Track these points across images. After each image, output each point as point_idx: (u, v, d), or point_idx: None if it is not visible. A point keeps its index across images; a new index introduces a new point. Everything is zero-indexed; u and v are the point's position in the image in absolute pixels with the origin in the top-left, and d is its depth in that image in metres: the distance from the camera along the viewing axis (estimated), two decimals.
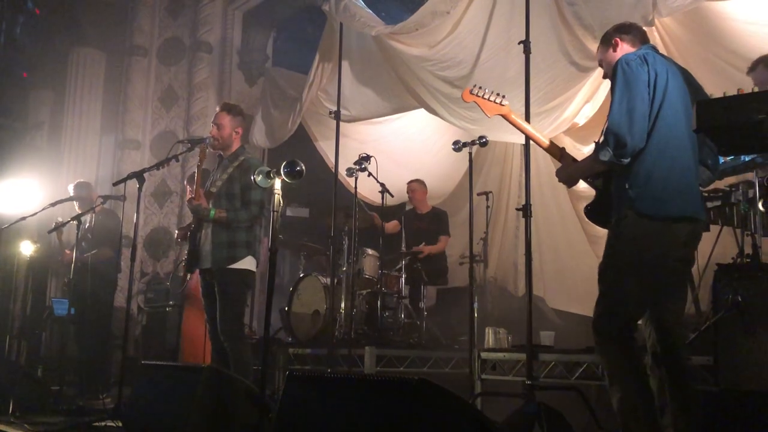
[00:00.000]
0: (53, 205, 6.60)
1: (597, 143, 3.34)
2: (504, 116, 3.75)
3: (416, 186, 7.66)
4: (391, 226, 7.34)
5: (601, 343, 3.29)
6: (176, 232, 6.12)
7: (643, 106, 3.19)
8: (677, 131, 3.23)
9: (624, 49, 3.50)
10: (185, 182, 7.68)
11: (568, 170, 3.56)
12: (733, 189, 4.37)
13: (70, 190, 7.09)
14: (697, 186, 3.36)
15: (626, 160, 3.21)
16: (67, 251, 6.71)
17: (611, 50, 3.54)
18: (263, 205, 4.78)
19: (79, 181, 7.39)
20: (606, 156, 3.21)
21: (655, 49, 3.54)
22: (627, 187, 3.23)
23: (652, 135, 3.21)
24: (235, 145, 4.94)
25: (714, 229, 4.62)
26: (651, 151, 3.21)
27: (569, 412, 3.90)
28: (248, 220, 4.75)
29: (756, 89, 3.86)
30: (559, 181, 3.64)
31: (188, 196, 4.84)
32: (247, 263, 4.75)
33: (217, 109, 5.03)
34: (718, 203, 4.46)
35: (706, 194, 4.25)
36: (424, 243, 7.27)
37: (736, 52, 5.15)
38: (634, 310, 3.29)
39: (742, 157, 4.17)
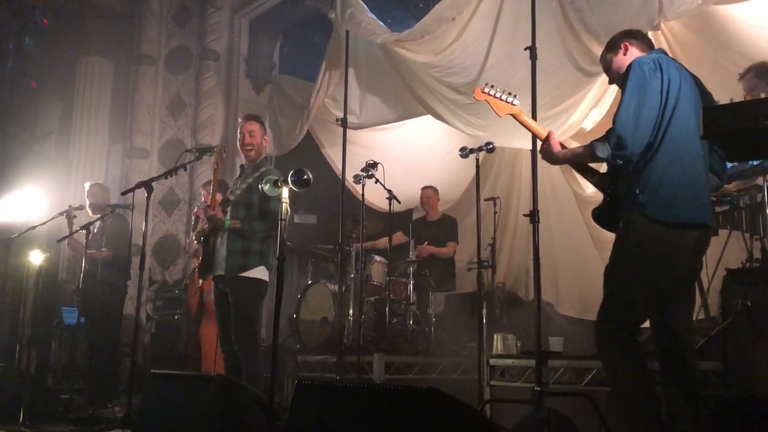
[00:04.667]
0: (62, 214, 6.63)
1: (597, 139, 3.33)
2: (515, 116, 3.73)
3: (431, 193, 7.69)
4: (396, 238, 7.33)
5: (604, 348, 3.27)
6: (191, 235, 6.08)
7: (650, 113, 3.19)
8: (689, 137, 3.22)
9: (633, 53, 3.49)
10: (201, 186, 7.67)
11: (556, 152, 3.54)
12: (741, 193, 4.35)
13: (86, 188, 7.06)
14: (708, 192, 3.35)
15: (620, 162, 3.23)
16: (76, 238, 6.59)
17: (620, 54, 3.54)
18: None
19: (96, 183, 7.31)
20: (603, 153, 3.22)
21: (665, 53, 3.54)
22: (637, 191, 3.22)
23: (664, 140, 3.20)
24: (261, 155, 5.00)
25: (722, 233, 4.60)
26: (663, 157, 3.20)
27: (579, 419, 3.90)
28: (263, 231, 4.76)
29: (746, 96, 3.87)
30: (543, 158, 3.63)
31: (204, 202, 4.86)
32: (259, 273, 4.75)
33: (240, 120, 5.10)
34: (726, 208, 4.44)
35: (714, 199, 4.23)
36: (426, 243, 7.27)
37: (744, 55, 5.13)
38: (638, 315, 3.28)
39: (750, 161, 4.16)
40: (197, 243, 5.11)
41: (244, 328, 4.67)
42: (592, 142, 3.30)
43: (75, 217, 6.55)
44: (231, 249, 4.74)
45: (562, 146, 3.56)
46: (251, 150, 4.94)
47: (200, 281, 5.81)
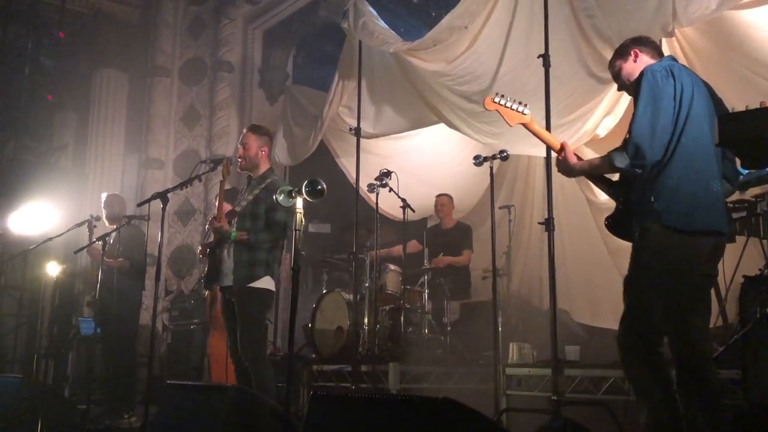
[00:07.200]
0: (82, 223, 6.67)
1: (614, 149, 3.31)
2: (526, 125, 3.71)
3: (445, 200, 7.69)
4: (411, 246, 7.33)
5: (627, 358, 3.26)
6: (199, 247, 6.11)
7: (666, 120, 3.17)
8: (703, 143, 3.20)
9: (644, 60, 3.48)
10: (214, 198, 7.69)
11: (573, 164, 3.51)
12: (758, 200, 4.32)
13: (102, 198, 7.10)
14: (723, 199, 3.33)
15: (639, 171, 3.20)
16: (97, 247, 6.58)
17: (630, 61, 3.53)
18: (286, 227, 4.81)
19: (112, 193, 7.27)
20: (622, 163, 3.20)
21: (676, 60, 3.52)
22: (652, 199, 3.20)
23: (678, 148, 3.19)
24: (263, 166, 5.00)
25: (740, 240, 4.56)
26: (677, 164, 3.18)
27: (596, 428, 3.86)
28: (270, 241, 4.78)
29: None
30: (558, 171, 3.61)
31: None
32: (265, 283, 4.77)
33: (244, 130, 5.12)
34: (743, 214, 4.41)
35: (731, 205, 4.20)
36: (442, 254, 7.27)
37: (760, 61, 5.10)
38: (659, 325, 3.25)
39: (766, 168, 4.12)
40: (202, 255, 5.15)
41: (250, 338, 4.68)
42: (609, 153, 3.28)
43: (95, 227, 6.60)
44: (238, 260, 4.76)
45: (578, 157, 3.54)
46: (242, 161, 4.97)
47: (206, 292, 5.83)
